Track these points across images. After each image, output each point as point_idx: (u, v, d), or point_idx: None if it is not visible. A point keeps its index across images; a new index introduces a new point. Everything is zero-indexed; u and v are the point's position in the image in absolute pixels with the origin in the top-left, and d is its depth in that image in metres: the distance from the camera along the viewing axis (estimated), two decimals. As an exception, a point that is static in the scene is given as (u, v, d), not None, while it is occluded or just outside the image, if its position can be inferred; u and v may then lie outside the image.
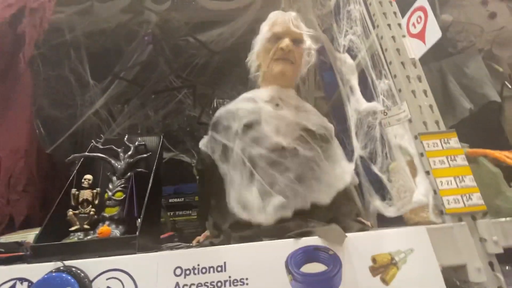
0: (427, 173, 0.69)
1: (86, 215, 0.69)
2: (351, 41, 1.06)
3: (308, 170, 0.75)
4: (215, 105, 1.75)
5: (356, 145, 0.94)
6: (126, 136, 0.86)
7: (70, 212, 0.67)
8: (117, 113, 1.72)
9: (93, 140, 0.86)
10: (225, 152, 0.77)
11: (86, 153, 0.79)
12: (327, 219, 0.74)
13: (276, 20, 0.89)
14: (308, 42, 0.91)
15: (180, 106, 1.65)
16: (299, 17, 0.92)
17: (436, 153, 0.68)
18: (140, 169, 0.79)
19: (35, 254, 0.59)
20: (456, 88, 1.19)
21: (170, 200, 1.25)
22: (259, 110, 0.80)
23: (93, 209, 0.70)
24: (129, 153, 0.80)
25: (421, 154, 0.71)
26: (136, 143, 0.84)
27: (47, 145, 1.53)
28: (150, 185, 0.74)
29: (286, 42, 0.82)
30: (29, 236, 0.86)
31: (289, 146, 0.74)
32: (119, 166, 0.76)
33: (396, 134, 0.80)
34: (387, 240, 0.61)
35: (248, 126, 0.76)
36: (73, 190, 0.71)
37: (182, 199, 1.25)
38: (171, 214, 1.22)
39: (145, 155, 0.81)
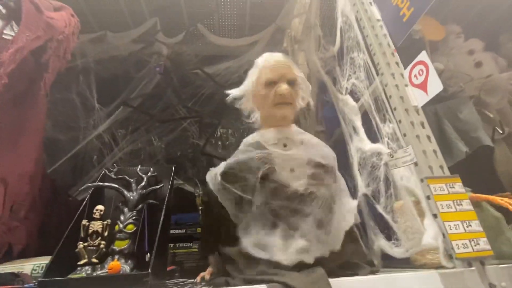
0: (435, 216, 0.71)
1: (95, 247, 0.67)
2: (354, 85, 1.13)
3: (328, 212, 0.76)
4: (218, 134, 1.78)
5: (360, 183, 0.97)
6: (139, 167, 0.87)
7: (81, 245, 0.66)
8: (120, 137, 1.74)
9: (105, 169, 0.87)
10: (241, 203, 0.75)
11: (100, 183, 0.79)
12: (340, 263, 0.74)
13: (267, 64, 0.92)
14: (300, 80, 0.94)
15: (184, 133, 1.68)
16: (287, 56, 0.96)
17: (442, 197, 0.71)
18: (152, 201, 0.79)
19: (43, 290, 0.57)
20: (452, 132, 1.27)
21: (171, 231, 1.22)
22: (270, 157, 0.80)
23: (103, 242, 0.68)
24: (142, 184, 0.80)
25: (428, 197, 0.74)
26: (149, 174, 0.85)
27: (47, 168, 1.51)
28: (162, 218, 0.73)
29: (283, 87, 0.86)
30: (26, 266, 0.82)
31: (307, 191, 0.75)
32: (131, 197, 0.76)
33: (402, 176, 0.83)
34: (399, 284, 0.62)
35: (264, 177, 0.75)
36: (84, 221, 0.70)
37: (184, 230, 1.22)
38: (171, 246, 1.18)
39: (158, 187, 0.81)
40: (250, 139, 0.92)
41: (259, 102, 0.91)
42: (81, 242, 0.66)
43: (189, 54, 1.75)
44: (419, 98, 0.85)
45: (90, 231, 0.69)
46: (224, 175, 0.81)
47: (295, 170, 0.79)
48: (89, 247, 0.67)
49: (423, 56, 0.83)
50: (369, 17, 1.09)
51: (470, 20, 2.20)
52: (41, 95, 0.92)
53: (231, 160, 0.85)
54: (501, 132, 1.35)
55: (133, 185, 0.80)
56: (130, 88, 1.85)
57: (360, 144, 1.02)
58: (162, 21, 2.01)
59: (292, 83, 0.89)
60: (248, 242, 0.70)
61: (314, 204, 0.75)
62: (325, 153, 0.88)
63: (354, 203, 0.89)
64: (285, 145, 0.87)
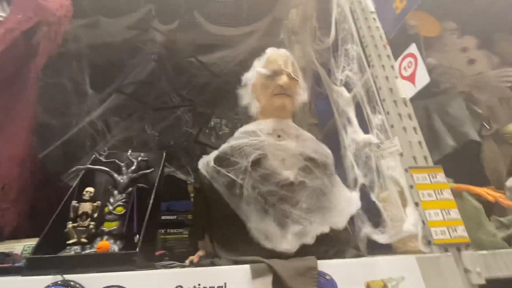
0: (416, 204, 0.74)
1: (84, 228, 0.68)
2: (348, 76, 1.14)
3: (317, 200, 0.78)
4: (212, 124, 1.79)
5: (358, 173, 0.99)
6: (130, 151, 0.87)
7: (70, 225, 0.67)
8: (113, 125, 1.73)
9: (95, 152, 0.87)
10: (233, 186, 0.77)
11: (90, 165, 0.79)
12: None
13: (271, 57, 0.95)
14: (300, 79, 0.97)
15: (177, 122, 1.67)
16: (291, 55, 0.99)
17: (424, 186, 0.73)
18: (142, 185, 0.80)
19: (32, 266, 0.58)
20: (440, 126, 1.29)
21: (163, 217, 1.23)
22: (263, 144, 0.83)
23: (92, 223, 0.69)
24: (132, 168, 0.81)
25: (411, 186, 0.77)
26: (139, 159, 0.86)
27: (38, 152, 1.50)
28: (151, 201, 0.75)
29: (284, 79, 0.88)
30: (17, 247, 0.83)
31: (297, 180, 0.77)
32: (121, 180, 0.77)
33: (389, 166, 0.86)
34: (380, 267, 0.64)
35: (255, 163, 0.78)
36: (74, 202, 0.71)
37: (175, 216, 1.24)
38: (163, 231, 1.20)
39: (148, 171, 0.82)
40: (245, 127, 0.93)
41: (259, 92, 0.93)
42: (71, 222, 0.67)
43: (184, 42, 1.73)
44: (407, 90, 0.87)
45: (80, 212, 0.70)
46: (217, 158, 0.84)
47: (286, 160, 0.82)
48: (79, 228, 0.68)
49: (413, 48, 0.84)
50: (362, 9, 1.09)
51: (466, 18, 2.21)
52: (31, 78, 0.92)
53: (224, 145, 0.87)
54: (488, 128, 1.38)
55: (124, 168, 0.81)
56: (123, 74, 1.83)
57: (354, 135, 1.04)
58: (157, 8, 1.98)
59: (293, 77, 0.91)
60: (253, 228, 0.72)
61: (302, 193, 0.77)
62: (319, 149, 0.90)
63: (354, 194, 0.91)
64: (279, 136, 0.89)
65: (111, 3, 2.00)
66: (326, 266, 0.61)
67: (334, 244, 0.75)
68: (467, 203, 0.82)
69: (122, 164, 0.82)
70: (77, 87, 1.87)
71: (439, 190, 0.73)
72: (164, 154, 0.94)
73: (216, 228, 0.83)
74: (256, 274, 0.57)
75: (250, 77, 0.98)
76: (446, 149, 1.23)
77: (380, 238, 0.87)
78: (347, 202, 0.85)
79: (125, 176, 0.78)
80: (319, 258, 0.63)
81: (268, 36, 2.23)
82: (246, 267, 0.59)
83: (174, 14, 2.01)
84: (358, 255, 0.72)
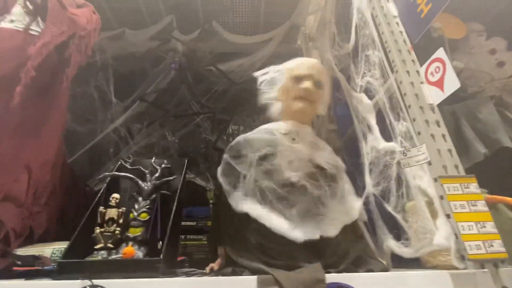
0: (448, 216, 0.70)
1: (111, 233, 0.70)
2: (369, 82, 1.12)
3: (314, 207, 0.77)
4: (230, 131, 1.80)
5: (369, 181, 0.96)
6: (154, 159, 0.90)
7: (97, 230, 0.69)
8: (135, 132, 1.79)
9: (121, 159, 0.90)
10: (237, 176, 0.81)
11: (116, 172, 0.82)
12: (340, 254, 0.75)
13: (301, 63, 0.98)
14: (326, 90, 0.99)
15: (197, 129, 1.71)
16: (321, 64, 1.02)
17: (456, 197, 0.69)
18: (165, 192, 0.81)
19: (62, 270, 0.60)
20: (470, 132, 1.23)
21: (182, 223, 1.25)
22: (275, 142, 0.85)
23: (118, 228, 0.71)
24: (156, 175, 0.83)
25: (441, 197, 0.73)
26: (163, 166, 0.88)
27: (66, 158, 1.58)
28: (174, 207, 0.76)
29: (308, 84, 0.91)
30: (46, 250, 0.87)
31: (299, 183, 0.77)
32: (145, 187, 0.79)
33: (415, 175, 0.82)
34: (409, 282, 0.61)
35: (262, 158, 0.79)
36: (101, 208, 0.73)
37: (195, 222, 1.25)
38: (182, 237, 1.21)
39: (171, 178, 0.84)
40: (264, 126, 0.95)
41: (283, 94, 0.95)
42: (98, 228, 0.69)
43: (204, 51, 1.78)
44: (435, 96, 0.83)
45: (107, 218, 0.72)
46: (230, 148, 0.88)
47: (293, 163, 0.82)
48: (105, 233, 0.70)
49: (440, 53, 0.81)
50: (385, 14, 1.07)
51: (493, 18, 2.11)
52: (63, 88, 0.97)
53: (241, 136, 0.92)
54: (523, 134, 1.29)
55: (148, 175, 0.83)
56: (146, 83, 1.90)
57: (374, 142, 1.01)
58: (178, 19, 2.05)
59: (318, 85, 0.94)
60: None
61: (302, 196, 0.76)
62: (331, 160, 0.89)
63: (358, 202, 0.90)
64: (293, 139, 0.89)
65: (135, 15, 2.10)
66: (349, 280, 0.59)
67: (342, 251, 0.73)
68: (503, 216, 0.77)
69: (146, 171, 0.85)
70: (102, 96, 1.97)
71: (473, 202, 0.69)
72: (186, 161, 0.95)
73: (226, 232, 0.83)
74: (262, 286, 0.56)
75: (278, 77, 0.98)
76: (477, 157, 1.17)
77: (404, 251, 0.83)
78: (344, 212, 0.83)
79: (149, 183, 0.80)
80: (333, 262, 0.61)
81: (285, 43, 2.25)
82: (253, 278, 0.58)
83: (193, 25, 2.08)
84: (385, 269, 0.69)
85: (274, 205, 0.75)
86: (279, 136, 0.88)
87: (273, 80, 1.03)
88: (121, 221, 0.73)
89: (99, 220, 0.72)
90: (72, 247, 0.67)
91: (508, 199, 0.77)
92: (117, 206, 0.75)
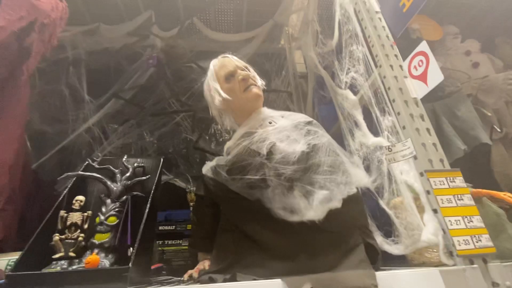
0: (435, 211, 0.68)
1: (73, 240, 0.62)
2: (353, 78, 1.10)
3: (335, 156, 0.76)
4: (212, 130, 1.74)
5: (363, 175, 0.93)
6: (125, 157, 0.82)
7: (56, 237, 0.61)
8: (110, 131, 1.68)
9: (88, 159, 0.82)
10: (254, 185, 0.73)
11: (81, 172, 0.74)
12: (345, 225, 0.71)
13: (220, 64, 0.96)
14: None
15: (177, 128, 1.62)
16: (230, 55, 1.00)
17: (443, 191, 0.68)
18: (137, 193, 0.74)
19: (11, 284, 0.52)
20: (450, 129, 1.25)
21: (160, 228, 1.16)
22: (265, 135, 0.81)
23: (81, 235, 0.63)
24: (127, 174, 0.76)
25: (428, 192, 0.71)
26: (135, 165, 0.80)
27: (32, 161, 1.45)
28: (147, 210, 0.69)
29: (242, 73, 0.90)
30: (1, 262, 0.77)
31: (309, 147, 0.75)
32: (115, 188, 0.71)
33: (402, 170, 0.80)
34: (398, 281, 0.58)
35: (269, 153, 0.76)
36: (62, 212, 0.65)
37: (173, 227, 1.17)
38: (160, 243, 1.13)
39: (144, 178, 0.77)
40: (238, 132, 0.90)
41: (229, 94, 0.89)
42: (58, 235, 0.61)
43: (184, 47, 1.71)
44: (419, 90, 0.82)
45: (69, 223, 0.64)
46: (229, 171, 0.78)
47: (290, 135, 0.79)
48: (67, 240, 0.62)
49: (423, 46, 0.80)
50: (367, 9, 1.06)
51: (467, 22, 2.20)
52: (23, 81, 0.87)
53: (227, 158, 0.83)
54: (499, 130, 1.33)
55: (118, 175, 0.76)
56: (122, 80, 1.80)
57: (363, 138, 0.99)
58: (157, 14, 1.97)
59: (246, 69, 0.93)
60: (277, 207, 0.68)
61: (320, 154, 0.74)
62: (304, 116, 0.91)
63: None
64: (270, 123, 0.87)
65: (111, 10, 2.00)
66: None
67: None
68: (488, 209, 0.76)
69: (117, 170, 0.77)
70: (74, 94, 1.84)
71: (459, 196, 0.68)
72: (162, 160, 0.88)
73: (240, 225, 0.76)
74: None
75: (211, 99, 0.94)
76: (457, 153, 1.18)
77: (394, 249, 0.81)
78: (355, 172, 0.80)
79: (119, 184, 0.73)
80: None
81: (268, 41, 2.22)
82: (251, 283, 0.53)
83: (173, 21, 2.00)
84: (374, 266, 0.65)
85: (303, 178, 0.71)
86: (260, 131, 0.84)
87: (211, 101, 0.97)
88: (85, 226, 0.65)
89: (59, 226, 0.63)
90: (25, 258, 0.58)
91: (493, 192, 0.77)
92: (82, 209, 0.67)
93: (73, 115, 1.78)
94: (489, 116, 1.40)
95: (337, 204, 0.67)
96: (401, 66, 0.90)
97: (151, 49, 1.72)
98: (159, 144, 1.64)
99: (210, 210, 0.84)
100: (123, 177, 0.74)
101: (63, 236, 0.62)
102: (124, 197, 0.71)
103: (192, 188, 1.31)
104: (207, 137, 1.65)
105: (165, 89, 1.63)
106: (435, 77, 0.75)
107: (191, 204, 1.28)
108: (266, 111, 0.92)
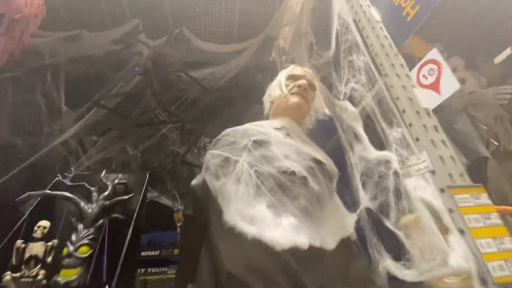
0: (461, 231, 0.61)
1: (30, 279, 0.49)
2: (353, 89, 1.05)
3: (316, 204, 0.65)
4: (202, 143, 1.63)
5: (363, 195, 0.86)
6: (104, 172, 0.70)
7: (8, 277, 0.47)
8: (89, 144, 1.53)
9: (58, 175, 0.69)
10: (226, 165, 0.68)
11: (46, 191, 0.61)
12: (338, 272, 0.62)
13: (296, 67, 0.99)
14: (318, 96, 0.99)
15: (163, 141, 1.50)
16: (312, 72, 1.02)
17: (469, 209, 0.61)
18: (117, 215, 0.62)
19: None
20: (449, 143, 1.21)
21: (143, 253, 1.02)
22: (269, 133, 0.76)
23: (42, 271, 0.50)
24: (106, 193, 0.63)
25: (451, 210, 0.64)
26: (116, 181, 0.68)
27: (-5, 177, 1.27)
28: (129, 237, 0.57)
29: (303, 81, 0.89)
30: None
31: (300, 173, 0.66)
32: (89, 210, 0.59)
33: (416, 186, 0.73)
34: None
35: (258, 143, 0.69)
36: (19, 243, 0.51)
37: (157, 252, 1.03)
38: (142, 271, 0.98)
39: (126, 197, 0.65)
40: (254, 122, 0.85)
41: (276, 89, 0.91)
42: (9, 273, 0.47)
43: (172, 55, 1.62)
44: (430, 100, 0.77)
45: (27, 256, 0.51)
46: (216, 141, 0.77)
47: (289, 157, 0.70)
48: (23, 279, 0.48)
49: (434, 54, 0.76)
50: (368, 19, 1.03)
51: (451, 39, 2.28)
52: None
53: (228, 130, 0.80)
54: (497, 144, 1.31)
55: (94, 194, 0.63)
56: (104, 90, 1.68)
57: (364, 152, 0.92)
58: (145, 23, 1.90)
59: (312, 87, 0.94)
60: (233, 210, 0.60)
61: (303, 189, 0.65)
62: (327, 158, 0.80)
63: (352, 216, 0.79)
64: (287, 134, 0.81)
65: (95, 17, 1.91)
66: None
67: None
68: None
69: (93, 188, 0.65)
70: (50, 104, 1.70)
71: (486, 214, 0.61)
72: (148, 175, 0.76)
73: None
74: None
75: (272, 88, 0.96)
76: (460, 167, 1.13)
77: (406, 274, 0.72)
78: (340, 223, 0.72)
79: (95, 205, 0.60)
80: None
81: (260, 54, 2.19)
82: None
83: (162, 30, 1.93)
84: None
85: (275, 194, 0.63)
86: (271, 130, 0.78)
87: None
88: (49, 259, 0.52)
89: (14, 261, 0.50)
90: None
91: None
92: (45, 238, 0.54)
93: (48, 127, 1.63)
94: (485, 130, 1.39)
95: (304, 243, 0.58)
96: (407, 76, 0.86)
97: (138, 56, 1.62)
98: (143, 158, 1.51)
99: (201, 232, 0.73)
100: (101, 197, 0.62)
101: (18, 274, 0.49)
102: (101, 221, 0.58)
103: (179, 207, 1.18)
104: (196, 151, 1.54)
105: (152, 99, 1.53)
106: (450, 85, 0.70)
107: (179, 225, 1.14)
108: (297, 126, 0.88)
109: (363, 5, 1.07)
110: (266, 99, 0.97)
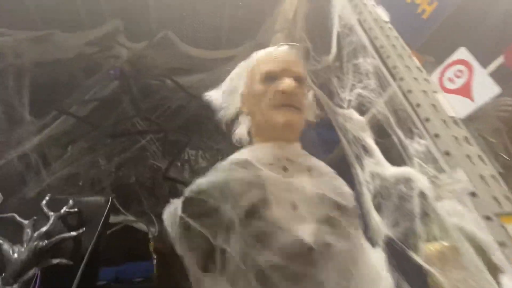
0: (520, 274, 0.47)
1: None
2: (360, 95, 0.93)
3: (347, 275, 0.47)
4: (186, 156, 1.45)
5: (379, 220, 0.71)
6: (47, 197, 0.51)
7: None
8: (53, 158, 1.31)
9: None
10: (208, 254, 0.47)
11: (-49, 229, 0.42)
12: None
13: (268, 55, 0.63)
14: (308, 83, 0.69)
15: (142, 153, 1.31)
16: (297, 49, 0.65)
17: (529, 244, 0.47)
18: (59, 260, 0.43)
19: None
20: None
21: (108, 294, 0.81)
22: (262, 181, 0.52)
23: None
24: (44, 229, 0.45)
25: (502, 244, 0.50)
26: (64, 210, 0.50)
27: None
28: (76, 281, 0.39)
29: (288, 82, 0.57)
30: None
31: (318, 243, 0.47)
32: (15, 255, 0.40)
33: (451, 211, 0.59)
34: None
35: (250, 214, 0.47)
36: None
37: (128, 291, 0.83)
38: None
39: (71, 234, 0.46)
40: (235, 156, 0.61)
41: (252, 103, 0.61)
42: None
43: (154, 58, 1.46)
44: (459, 107, 0.65)
45: None
46: (188, 203, 0.51)
47: (299, 207, 0.50)
48: None
49: (463, 53, 0.65)
50: (375, 19, 0.93)
51: (442, 51, 2.27)
52: None
53: (200, 180, 0.53)
54: (507, 159, 1.22)
55: (28, 231, 0.45)
56: (75, 96, 1.48)
57: (376, 168, 0.78)
58: (126, 24, 1.74)
59: (300, 81, 0.60)
60: None
61: (328, 265, 0.45)
62: (341, 187, 0.58)
63: (379, 255, 0.60)
64: (285, 169, 0.56)
65: (69, 16, 1.73)
66: None
67: None
68: None
69: (26, 222, 0.46)
70: (10, 112, 1.48)
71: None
72: (111, 200, 0.58)
73: None
74: None
75: (236, 81, 0.67)
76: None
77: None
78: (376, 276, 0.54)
79: (24, 247, 0.42)
80: None
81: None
82: None
83: (144, 33, 1.78)
84: None
85: None
86: (263, 169, 0.54)
87: (232, 89, 0.70)
88: None
89: None
90: None
91: None
92: None
93: (4, 137, 1.40)
94: (494, 143, 1.30)
95: None
96: (427, 80, 0.74)
97: (115, 59, 1.45)
98: (118, 173, 1.31)
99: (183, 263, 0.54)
100: (36, 234, 0.43)
101: None
102: (31, 272, 0.40)
103: (156, 233, 0.99)
104: (180, 164, 1.36)
105: (130, 106, 1.34)
106: (486, 89, 0.59)
107: (154, 257, 0.94)
108: (293, 150, 0.61)
109: (368, 5, 0.97)
110: (232, 107, 0.65)
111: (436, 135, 0.65)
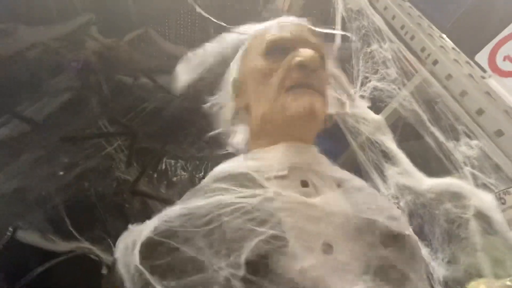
0: None
1: None
2: (376, 88, 0.75)
3: None
4: (163, 166, 1.23)
5: (426, 253, 0.51)
6: None
7: None
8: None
9: None
10: None
11: None
12: None
13: (274, 26, 0.44)
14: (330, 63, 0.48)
15: (106, 162, 1.08)
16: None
17: None
18: None
19: None
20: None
21: None
22: (271, 208, 0.29)
23: None
24: None
25: None
26: None
27: None
28: None
29: (303, 53, 0.38)
30: None
31: None
32: None
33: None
34: None
35: (257, 267, 0.24)
36: None
37: None
38: None
39: None
40: (224, 168, 0.38)
41: (251, 89, 0.42)
42: None
43: (128, 51, 1.26)
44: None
45: None
46: (150, 248, 0.28)
47: (334, 248, 0.27)
48: None
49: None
50: (390, -3, 0.77)
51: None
52: None
53: (174, 210, 0.31)
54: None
55: None
56: (32, 97, 1.26)
57: (405, 179, 0.59)
58: (100, 19, 1.56)
59: (322, 61, 0.41)
60: None
61: None
62: (393, 210, 0.36)
63: None
64: (305, 184, 0.34)
65: (37, 9, 1.54)
66: None
67: None
68: None
69: None
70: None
71: None
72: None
73: None
74: None
75: (231, 65, 0.48)
76: None
77: None
78: None
79: None
80: None
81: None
82: None
83: (122, 29, 1.60)
84: None
85: None
86: (270, 187, 0.33)
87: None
88: None
89: None
90: None
91: None
92: None
93: None
94: None
95: None
96: (468, 63, 0.57)
97: (79, 50, 1.24)
98: (77, 187, 1.07)
99: None
100: None
101: None
102: None
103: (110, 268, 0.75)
104: (155, 175, 1.13)
105: (95, 106, 1.12)
106: None
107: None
108: (312, 155, 0.40)
109: (380, -18, 0.81)
110: (229, 103, 0.47)
111: (499, 132, 0.46)
